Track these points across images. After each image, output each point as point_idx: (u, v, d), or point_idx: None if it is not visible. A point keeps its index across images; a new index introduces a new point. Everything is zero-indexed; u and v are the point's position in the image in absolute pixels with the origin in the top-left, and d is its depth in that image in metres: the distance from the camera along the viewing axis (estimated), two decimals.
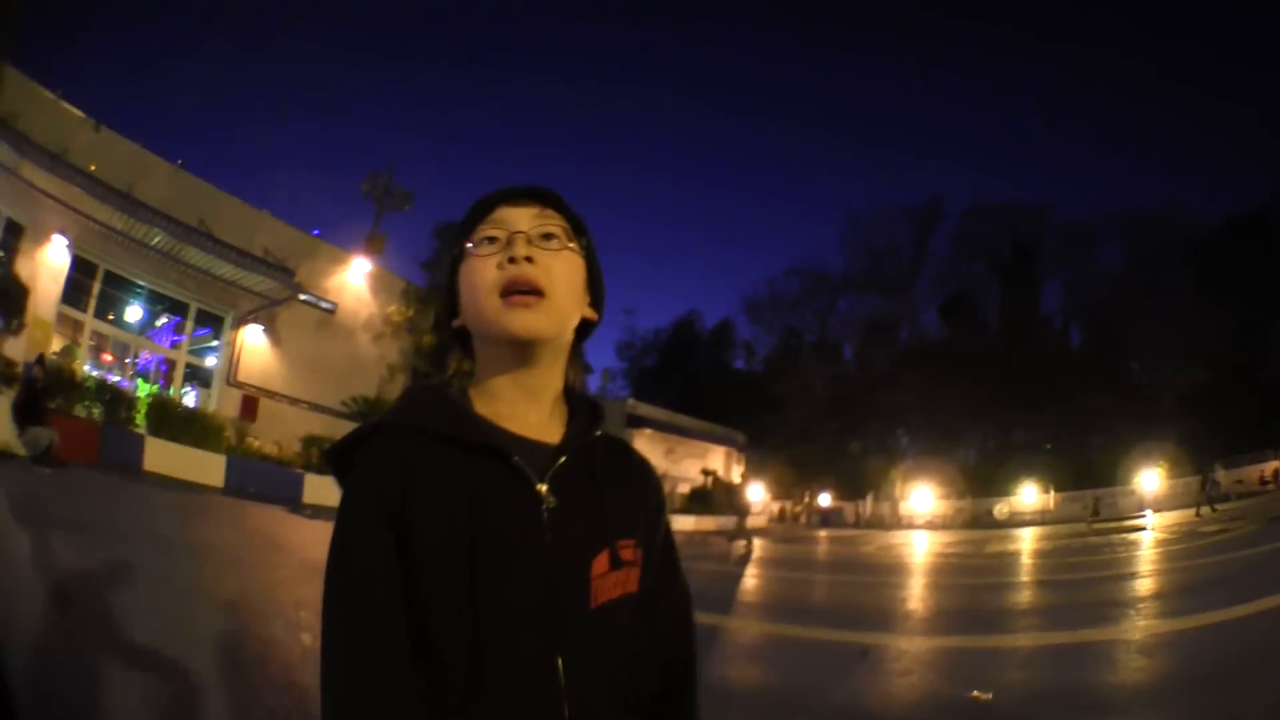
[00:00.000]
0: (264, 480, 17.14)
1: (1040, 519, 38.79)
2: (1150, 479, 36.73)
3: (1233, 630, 7.02)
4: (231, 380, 22.42)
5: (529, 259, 1.17)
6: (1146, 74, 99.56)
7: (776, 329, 64.79)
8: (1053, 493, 41.32)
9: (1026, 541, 24.35)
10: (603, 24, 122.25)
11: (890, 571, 16.40)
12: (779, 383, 54.40)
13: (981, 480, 46.63)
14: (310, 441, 20.75)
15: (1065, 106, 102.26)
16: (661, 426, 39.00)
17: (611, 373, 64.27)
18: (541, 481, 1.15)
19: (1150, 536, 20.45)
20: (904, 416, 55.29)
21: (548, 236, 1.20)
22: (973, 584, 13.54)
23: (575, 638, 1.12)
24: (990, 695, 5.33)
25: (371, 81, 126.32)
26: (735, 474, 41.57)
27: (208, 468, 16.57)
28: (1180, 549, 15.74)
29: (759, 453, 49.08)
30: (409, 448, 1.13)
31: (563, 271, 1.20)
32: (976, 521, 40.63)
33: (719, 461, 42.62)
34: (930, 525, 41.25)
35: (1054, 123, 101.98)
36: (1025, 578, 14.41)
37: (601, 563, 1.16)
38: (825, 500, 47.25)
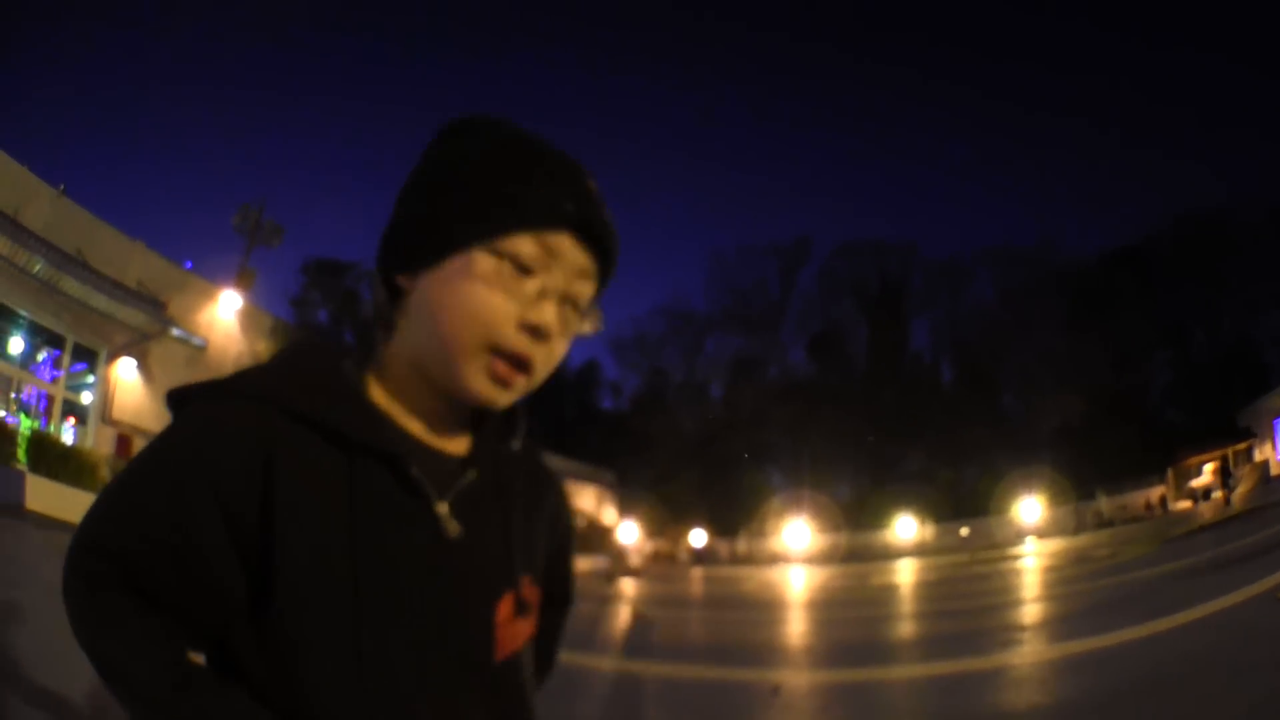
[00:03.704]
0: None
1: (918, 550, 40.15)
2: (1030, 508, 38.61)
3: (1139, 650, 7.21)
4: (106, 418, 22.36)
5: (546, 335, 0.94)
6: (1019, 111, 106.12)
7: (643, 369, 65.54)
8: (930, 524, 42.92)
9: (909, 573, 25.27)
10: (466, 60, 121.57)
11: (778, 607, 16.68)
12: (647, 422, 54.91)
13: (856, 514, 48.08)
14: None
15: (938, 144, 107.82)
16: None
17: None
18: (441, 500, 0.94)
19: (1034, 563, 21.38)
20: (774, 453, 56.69)
21: (574, 306, 0.98)
22: (867, 616, 13.75)
23: (477, 703, 0.95)
24: None
25: (245, 114, 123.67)
26: (605, 513, 41.53)
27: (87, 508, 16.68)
28: (1072, 574, 16.52)
29: (629, 492, 49.32)
30: (276, 430, 0.89)
31: (560, 353, 0.99)
32: (854, 555, 41.73)
33: (589, 501, 42.68)
34: (807, 560, 42.09)
35: (931, 160, 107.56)
36: (920, 608, 14.85)
37: (507, 606, 0.98)
38: (699, 538, 47.64)
